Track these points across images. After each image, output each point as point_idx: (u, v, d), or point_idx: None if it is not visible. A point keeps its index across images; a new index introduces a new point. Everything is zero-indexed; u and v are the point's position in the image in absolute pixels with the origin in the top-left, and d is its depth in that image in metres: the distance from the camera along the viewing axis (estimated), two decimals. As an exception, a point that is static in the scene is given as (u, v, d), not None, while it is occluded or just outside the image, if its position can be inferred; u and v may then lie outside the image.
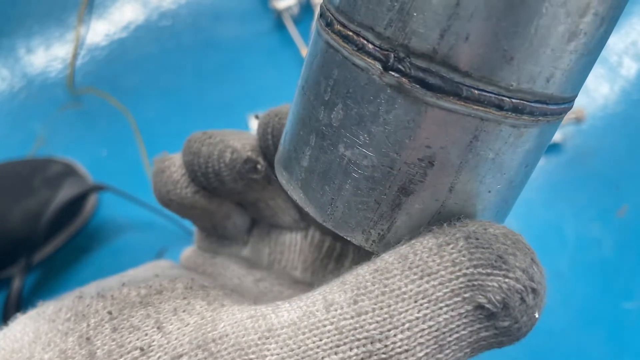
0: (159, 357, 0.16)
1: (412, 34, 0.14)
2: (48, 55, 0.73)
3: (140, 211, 0.59)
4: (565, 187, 0.63)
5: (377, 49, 0.14)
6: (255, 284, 0.23)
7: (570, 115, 0.62)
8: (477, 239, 0.15)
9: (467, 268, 0.15)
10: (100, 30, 0.74)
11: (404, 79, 0.14)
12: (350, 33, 0.15)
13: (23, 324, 0.18)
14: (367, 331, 0.15)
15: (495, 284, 0.14)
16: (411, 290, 0.15)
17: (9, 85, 0.71)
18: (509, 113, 0.14)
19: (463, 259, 0.15)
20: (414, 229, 0.16)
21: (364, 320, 0.15)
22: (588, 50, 0.14)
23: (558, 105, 0.15)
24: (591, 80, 0.70)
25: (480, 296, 0.14)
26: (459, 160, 0.15)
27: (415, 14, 0.13)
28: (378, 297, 0.15)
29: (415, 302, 0.15)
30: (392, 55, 0.14)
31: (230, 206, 0.23)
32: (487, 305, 0.14)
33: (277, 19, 0.72)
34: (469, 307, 0.15)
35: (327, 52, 0.16)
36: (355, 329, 0.15)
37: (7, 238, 0.53)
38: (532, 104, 0.14)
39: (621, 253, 0.59)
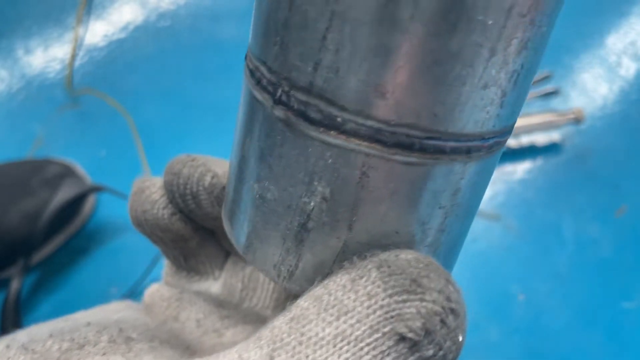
0: None
1: (292, 68, 0.14)
2: (46, 56, 0.73)
3: (139, 212, 0.59)
4: (564, 187, 0.63)
5: (269, 82, 0.14)
6: (220, 321, 0.22)
7: (569, 115, 0.62)
8: (389, 266, 0.14)
9: (383, 299, 0.14)
10: (98, 31, 0.74)
11: (289, 113, 0.14)
12: (253, 67, 0.15)
13: None
14: None
15: (413, 310, 0.14)
16: (329, 335, 0.14)
17: (7, 86, 0.71)
18: (396, 149, 0.14)
19: (378, 289, 0.14)
20: (321, 267, 0.16)
21: None
22: (480, 81, 0.13)
23: (459, 142, 0.14)
24: (590, 80, 0.70)
25: (400, 326, 0.14)
26: (352, 197, 0.14)
27: (292, 48, 0.13)
28: (295, 349, 0.14)
29: (334, 346, 0.14)
30: (280, 89, 0.14)
31: (205, 234, 0.23)
32: (409, 335, 0.13)
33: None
34: (391, 343, 0.14)
35: (243, 85, 0.16)
36: None
37: (5, 239, 0.53)
38: (423, 141, 0.14)
39: (620, 253, 0.59)
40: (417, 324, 0.13)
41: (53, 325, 0.19)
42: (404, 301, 0.14)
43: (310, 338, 0.14)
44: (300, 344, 0.14)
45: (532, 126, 0.62)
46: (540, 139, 0.66)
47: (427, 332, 0.14)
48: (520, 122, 0.62)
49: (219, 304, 0.23)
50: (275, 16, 0.14)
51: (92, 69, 0.71)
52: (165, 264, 0.25)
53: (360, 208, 0.15)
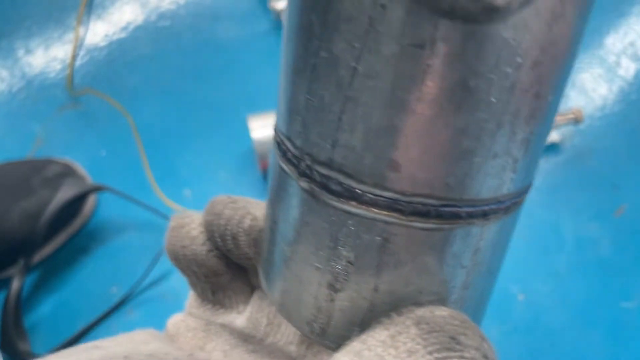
0: None
1: (313, 145, 0.15)
2: (47, 56, 0.73)
3: (139, 212, 0.59)
4: (563, 187, 0.63)
5: (293, 156, 0.16)
6: (247, 354, 0.22)
7: (568, 115, 0.62)
8: (428, 323, 0.15)
9: (423, 355, 0.14)
10: (99, 31, 0.74)
11: (313, 184, 0.15)
12: (279, 141, 0.16)
13: None
14: None
15: None
16: None
17: (8, 86, 0.71)
18: (414, 217, 0.14)
19: (418, 346, 0.14)
20: (351, 324, 0.16)
21: None
22: (490, 152, 0.14)
23: (475, 207, 0.15)
24: (589, 81, 0.70)
25: None
26: (375, 262, 0.15)
27: (312, 127, 0.15)
28: None
29: None
30: (303, 163, 0.15)
31: (236, 270, 0.24)
32: None
33: (276, 19, 0.72)
34: None
35: (272, 155, 0.18)
36: None
37: (6, 239, 0.53)
38: (439, 208, 0.14)
39: (619, 252, 0.59)
40: None
41: (86, 355, 0.18)
42: (444, 358, 0.14)
43: None
44: None
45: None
46: (540, 139, 0.66)
47: None
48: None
49: (244, 337, 0.23)
50: (296, 98, 0.15)
51: (92, 69, 0.72)
52: (189, 296, 0.25)
53: (384, 271, 0.15)
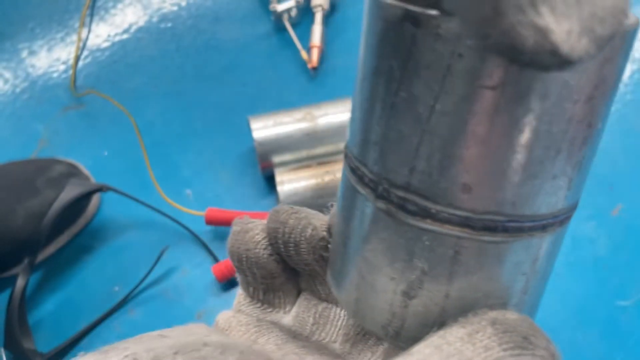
0: None
1: (390, 171, 0.17)
2: (50, 57, 0.74)
3: (141, 211, 0.60)
4: (560, 186, 0.64)
5: (370, 180, 0.17)
6: (298, 348, 0.23)
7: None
8: (502, 324, 0.16)
9: (498, 352, 0.16)
10: (101, 33, 0.75)
11: (390, 205, 0.17)
12: (354, 166, 0.18)
13: None
14: None
15: None
16: None
17: (11, 87, 0.72)
18: (483, 232, 0.16)
19: (493, 343, 0.16)
20: (424, 327, 0.18)
21: None
22: (550, 174, 0.16)
23: (535, 222, 0.17)
24: (587, 82, 0.71)
25: None
26: (448, 271, 0.17)
27: (389, 155, 0.17)
28: None
29: None
30: (380, 187, 0.17)
31: (289, 273, 0.26)
32: None
33: (277, 21, 0.72)
34: None
35: (344, 178, 0.19)
36: None
37: (11, 238, 0.53)
38: (505, 224, 0.16)
39: (615, 252, 0.60)
40: None
41: (164, 342, 0.19)
42: (517, 355, 0.16)
43: None
44: None
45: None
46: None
47: None
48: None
49: (292, 334, 0.25)
50: (374, 131, 0.17)
51: (95, 70, 0.72)
52: (238, 294, 0.27)
53: (455, 279, 0.17)
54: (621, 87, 0.70)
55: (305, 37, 0.70)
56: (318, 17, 0.70)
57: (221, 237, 0.60)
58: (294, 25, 0.72)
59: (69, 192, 0.54)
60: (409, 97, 0.15)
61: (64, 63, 0.73)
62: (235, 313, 0.26)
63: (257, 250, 0.24)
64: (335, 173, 0.56)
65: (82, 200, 0.57)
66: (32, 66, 0.73)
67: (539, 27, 0.10)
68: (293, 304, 0.27)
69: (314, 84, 0.70)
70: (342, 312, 0.26)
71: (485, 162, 0.15)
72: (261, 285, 0.26)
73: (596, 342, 0.56)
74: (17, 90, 0.71)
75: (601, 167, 0.65)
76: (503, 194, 0.16)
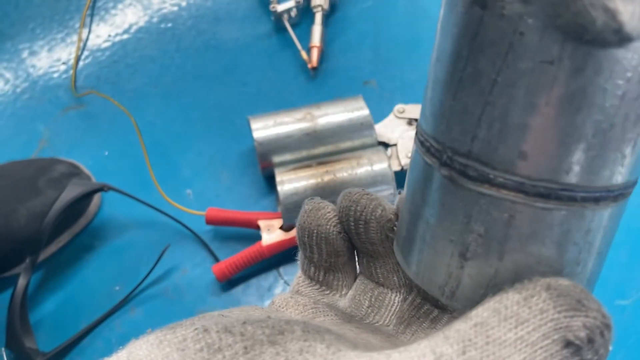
0: None
1: (454, 140, 0.18)
2: (51, 58, 0.74)
3: (142, 211, 0.60)
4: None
5: (436, 150, 0.19)
6: (353, 329, 0.24)
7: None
8: (556, 289, 0.17)
9: (553, 314, 0.17)
10: (102, 33, 0.75)
11: (452, 172, 0.19)
12: (423, 139, 0.20)
13: (147, 350, 0.19)
14: None
15: (579, 323, 0.17)
16: (510, 338, 0.17)
17: (12, 87, 0.72)
18: (536, 198, 0.17)
19: (548, 306, 0.17)
20: (477, 289, 0.20)
21: None
22: (603, 147, 0.17)
23: (588, 193, 0.17)
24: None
25: (569, 335, 0.17)
26: (502, 234, 0.18)
27: (454, 126, 0.18)
28: (483, 347, 0.17)
29: (515, 347, 0.17)
30: (445, 155, 0.19)
31: (351, 254, 0.28)
32: (576, 342, 0.17)
33: (277, 21, 0.73)
34: (558, 347, 0.17)
35: (414, 153, 0.21)
36: None
37: (13, 238, 0.54)
38: (558, 192, 0.17)
39: (614, 251, 0.60)
40: (583, 334, 0.17)
41: (233, 316, 0.21)
42: (572, 316, 0.17)
43: (495, 340, 0.17)
44: (487, 344, 0.17)
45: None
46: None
47: (590, 341, 0.17)
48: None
49: (347, 317, 0.26)
50: (443, 104, 0.19)
51: (95, 70, 0.72)
52: (297, 277, 0.29)
53: (508, 243, 0.18)
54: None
55: (305, 38, 0.71)
56: (318, 17, 0.70)
57: (221, 236, 0.61)
58: (293, 26, 0.72)
59: (70, 192, 0.55)
60: (474, 72, 0.17)
61: (64, 63, 0.73)
62: (293, 294, 0.27)
63: (327, 227, 0.26)
64: (335, 173, 0.56)
65: (83, 200, 0.58)
66: (33, 66, 0.73)
67: (609, 9, 0.12)
68: (349, 287, 0.28)
69: (314, 84, 0.70)
70: (397, 297, 0.27)
71: (541, 132, 0.16)
72: (324, 264, 0.27)
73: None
74: (18, 90, 0.72)
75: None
76: (556, 163, 0.17)
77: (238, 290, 0.58)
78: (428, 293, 0.24)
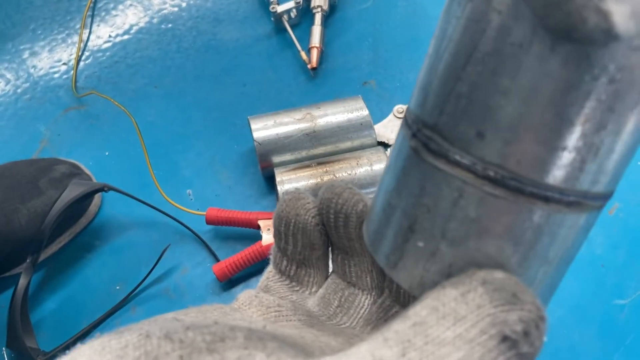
0: None
1: (426, 113, 0.19)
2: (52, 58, 0.74)
3: (143, 211, 0.61)
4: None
5: (412, 121, 0.20)
6: (314, 335, 0.24)
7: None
8: (491, 283, 0.18)
9: (490, 309, 0.17)
10: (102, 34, 0.75)
11: (418, 143, 0.19)
12: (406, 114, 0.21)
13: (88, 357, 0.19)
14: None
15: (515, 317, 0.17)
16: (449, 337, 0.17)
17: (13, 87, 0.72)
18: (485, 181, 0.17)
19: (484, 302, 0.17)
20: (418, 263, 0.20)
21: None
22: (560, 144, 0.16)
23: (537, 189, 0.17)
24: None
25: (505, 329, 0.17)
26: (448, 212, 0.18)
27: (430, 99, 0.19)
28: (422, 347, 0.17)
29: (454, 345, 0.17)
30: (416, 127, 0.19)
31: (326, 250, 0.28)
32: (513, 336, 0.17)
33: (277, 22, 0.73)
34: (495, 342, 0.17)
35: (399, 131, 0.22)
36: None
37: (14, 238, 0.54)
38: (506, 179, 0.17)
39: (613, 250, 0.60)
40: (519, 327, 0.17)
41: (178, 322, 0.20)
42: (508, 310, 0.17)
43: (434, 339, 0.17)
44: (426, 344, 0.17)
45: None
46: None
47: (526, 334, 0.17)
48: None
49: (311, 319, 0.26)
50: (425, 80, 0.19)
51: (96, 70, 0.73)
52: (267, 272, 0.29)
53: (452, 222, 0.18)
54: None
55: (305, 38, 0.71)
56: (318, 18, 0.71)
57: (222, 236, 0.61)
58: (293, 26, 0.72)
59: (71, 192, 0.55)
60: (454, 51, 0.18)
61: (65, 64, 0.74)
62: (259, 292, 0.27)
63: (306, 217, 0.26)
64: (334, 173, 0.57)
65: (84, 200, 0.58)
66: (34, 67, 0.74)
67: (601, 10, 0.12)
68: (320, 286, 0.28)
69: (314, 85, 0.70)
70: (367, 300, 0.27)
71: (499, 114, 0.17)
72: (298, 256, 0.27)
73: (593, 341, 0.56)
74: (19, 90, 0.72)
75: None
76: (509, 150, 0.17)
77: (238, 289, 0.58)
78: (398, 294, 0.26)
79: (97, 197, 0.62)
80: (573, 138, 0.16)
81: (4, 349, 0.52)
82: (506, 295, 0.17)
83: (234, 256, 0.56)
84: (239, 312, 0.25)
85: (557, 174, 0.17)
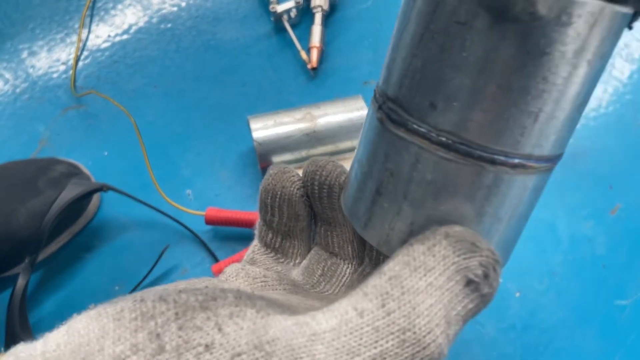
0: (221, 354, 0.19)
1: (390, 87, 0.21)
2: (51, 58, 0.74)
3: (142, 211, 0.60)
4: (558, 186, 0.64)
5: (379, 96, 0.22)
6: (299, 300, 0.26)
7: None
8: (452, 236, 0.20)
9: (454, 258, 0.20)
10: (101, 33, 0.75)
11: (383, 115, 0.21)
12: (375, 90, 0.23)
13: (85, 322, 0.20)
14: (399, 325, 0.19)
15: (476, 263, 0.20)
16: (422, 286, 0.19)
17: (12, 87, 0.72)
18: (438, 147, 0.20)
19: (449, 252, 0.20)
20: (384, 222, 0.22)
21: (394, 317, 0.19)
22: (502, 112, 0.19)
23: (484, 152, 0.19)
24: (585, 82, 0.71)
25: (469, 274, 0.20)
26: (408, 175, 0.21)
27: (392, 74, 0.21)
28: (400, 297, 0.19)
29: (427, 293, 0.19)
30: (381, 99, 0.22)
31: (310, 221, 0.29)
32: (475, 279, 0.20)
33: (277, 22, 0.73)
34: (461, 286, 0.20)
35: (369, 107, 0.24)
36: (389, 325, 0.19)
37: (13, 238, 0.53)
38: (457, 144, 0.19)
39: (614, 251, 0.60)
40: (479, 271, 0.20)
41: (171, 286, 0.22)
42: (469, 258, 0.20)
43: (409, 289, 0.19)
44: (403, 294, 0.19)
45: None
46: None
47: (485, 276, 0.20)
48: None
49: (296, 288, 0.28)
50: (389, 58, 0.21)
51: (95, 70, 0.72)
52: (253, 245, 0.30)
53: (412, 184, 0.21)
54: (620, 87, 0.71)
55: (305, 38, 0.71)
56: (318, 17, 0.70)
57: (221, 236, 0.61)
58: (293, 26, 0.72)
59: (70, 192, 0.55)
60: (411, 30, 0.20)
61: (64, 63, 0.73)
62: (245, 265, 0.28)
63: (291, 189, 0.27)
64: (334, 173, 0.56)
65: (82, 200, 0.57)
66: (33, 67, 0.73)
67: None
68: (303, 257, 0.30)
69: (314, 84, 0.70)
70: (348, 269, 0.29)
71: (448, 86, 0.19)
72: (283, 228, 0.28)
73: (595, 341, 0.56)
74: (18, 90, 0.71)
75: (600, 167, 0.65)
76: (458, 118, 0.19)
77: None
78: (378, 262, 0.27)
79: (96, 197, 0.62)
80: (513, 106, 0.18)
81: (2, 349, 0.52)
82: (466, 244, 0.20)
83: (234, 256, 0.56)
84: (227, 284, 0.26)
85: (501, 139, 0.19)
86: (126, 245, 0.61)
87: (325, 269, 0.29)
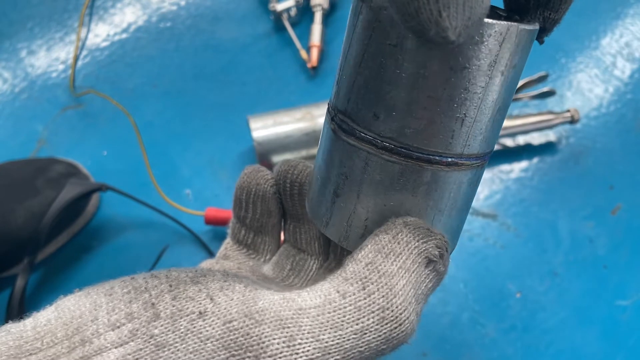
0: (213, 321, 0.21)
1: (339, 102, 0.24)
2: (49, 57, 0.74)
3: (141, 211, 0.60)
4: (559, 186, 0.64)
5: (332, 110, 0.24)
6: (272, 289, 0.27)
7: (565, 115, 0.63)
8: (410, 224, 0.23)
9: (416, 242, 0.23)
10: (101, 32, 0.75)
11: (335, 126, 0.24)
12: (329, 105, 0.25)
13: (74, 300, 0.21)
14: (378, 304, 0.22)
15: (433, 244, 0.23)
16: (394, 269, 0.22)
17: (10, 86, 0.72)
18: (383, 151, 0.22)
19: (410, 238, 0.23)
20: (342, 221, 0.25)
21: (374, 297, 0.22)
22: (436, 120, 0.21)
23: (422, 154, 0.22)
24: (586, 81, 0.71)
25: (429, 255, 0.23)
26: (359, 177, 0.24)
27: (341, 91, 0.23)
28: (378, 280, 0.22)
29: (399, 275, 0.22)
30: (334, 113, 0.24)
31: (280, 218, 0.31)
32: (433, 258, 0.23)
33: (276, 21, 0.72)
34: (423, 267, 0.23)
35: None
36: (370, 305, 0.21)
37: (11, 238, 0.53)
38: (398, 148, 0.22)
39: (615, 251, 0.60)
40: (436, 252, 0.23)
41: (152, 271, 0.24)
42: (427, 241, 0.23)
43: (385, 273, 0.22)
44: (380, 277, 0.22)
45: (528, 126, 0.63)
46: (537, 138, 0.66)
47: (441, 256, 0.23)
48: (516, 122, 0.63)
49: (268, 280, 0.29)
50: (338, 75, 0.24)
51: (94, 69, 0.72)
52: (225, 242, 0.32)
53: (364, 185, 0.24)
54: (621, 87, 0.70)
55: (304, 37, 0.70)
56: (318, 16, 0.70)
57: (220, 236, 0.60)
58: (293, 25, 0.72)
59: (69, 192, 0.54)
60: (354, 52, 0.22)
61: (63, 63, 0.73)
62: (219, 260, 0.30)
63: (265, 186, 0.29)
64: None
65: (81, 200, 0.57)
66: (31, 66, 0.73)
67: (439, 23, 0.16)
68: (273, 254, 0.32)
69: (314, 84, 0.70)
70: (315, 264, 0.31)
71: (387, 99, 0.21)
72: (256, 224, 0.30)
73: (596, 341, 0.56)
74: (16, 90, 0.71)
75: (601, 167, 0.65)
76: (398, 125, 0.22)
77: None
78: (342, 257, 0.30)
79: (94, 197, 0.62)
80: (442, 113, 0.21)
81: None
82: (423, 230, 0.23)
83: (233, 257, 0.56)
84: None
85: (434, 141, 0.22)
86: (125, 245, 0.60)
87: (294, 263, 0.30)
